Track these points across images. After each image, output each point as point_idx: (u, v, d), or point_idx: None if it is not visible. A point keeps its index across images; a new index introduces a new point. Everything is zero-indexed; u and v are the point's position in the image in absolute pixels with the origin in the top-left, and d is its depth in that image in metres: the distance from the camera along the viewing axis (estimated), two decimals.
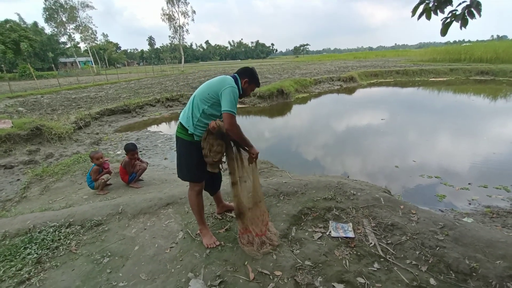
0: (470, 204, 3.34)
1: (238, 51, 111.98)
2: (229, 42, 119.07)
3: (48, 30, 42.57)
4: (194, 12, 35.60)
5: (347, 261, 1.81)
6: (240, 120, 8.92)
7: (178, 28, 35.52)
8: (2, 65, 25.79)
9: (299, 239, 2.02)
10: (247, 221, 1.91)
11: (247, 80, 1.85)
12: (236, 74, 1.87)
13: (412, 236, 1.93)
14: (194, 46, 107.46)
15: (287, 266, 1.77)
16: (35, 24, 45.50)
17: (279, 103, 10.75)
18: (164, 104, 10.48)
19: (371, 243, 1.94)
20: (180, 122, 1.86)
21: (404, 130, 6.92)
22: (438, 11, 1.88)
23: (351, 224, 2.13)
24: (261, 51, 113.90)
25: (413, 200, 3.07)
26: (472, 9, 1.72)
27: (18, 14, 43.41)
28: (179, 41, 37.43)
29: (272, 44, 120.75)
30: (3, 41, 34.21)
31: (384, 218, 2.14)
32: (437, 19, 1.91)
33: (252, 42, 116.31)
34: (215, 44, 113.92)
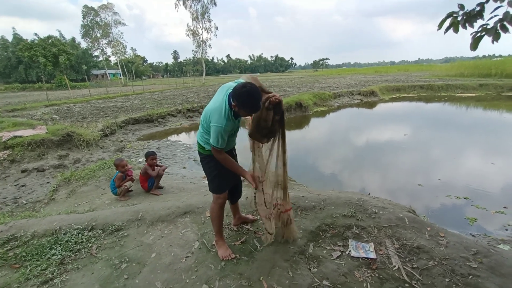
0: (506, 230, 3.06)
1: (258, 64, 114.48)
2: (249, 56, 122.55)
3: (83, 45, 46.51)
4: (217, 28, 37.19)
5: (368, 283, 1.71)
6: None
7: (201, 43, 37.16)
8: (42, 76, 28.23)
9: (317, 257, 1.95)
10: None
11: (235, 104, 1.60)
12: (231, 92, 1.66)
13: (440, 261, 1.79)
14: (215, 60, 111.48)
15: (304, 285, 1.70)
16: (72, 39, 49.80)
17: (297, 116, 10.73)
18: (185, 114, 10.83)
19: (394, 266, 1.82)
20: (198, 141, 1.94)
21: (428, 146, 6.58)
22: (467, 25, 1.82)
23: (372, 244, 2.03)
24: (280, 64, 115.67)
25: (440, 222, 2.87)
26: (505, 22, 1.65)
27: (59, 31, 48.09)
28: (201, 55, 39.04)
29: (291, 58, 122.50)
30: (44, 54, 37.67)
31: (409, 239, 2.01)
32: (464, 33, 1.85)
33: (271, 56, 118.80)
34: (236, 58, 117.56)
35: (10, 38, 45.57)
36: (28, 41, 41.03)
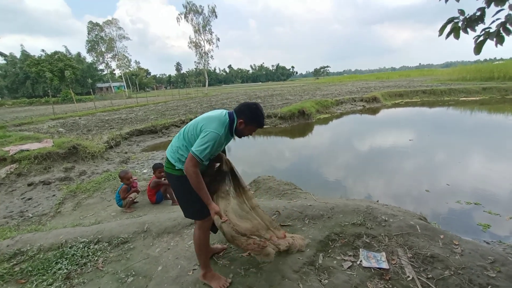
0: None
1: (259, 74, 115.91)
2: (251, 66, 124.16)
3: (89, 59, 47.71)
4: (218, 39, 37.98)
5: None
6: (261, 141, 9.00)
7: (204, 54, 37.88)
8: (49, 91, 28.86)
9: (327, 268, 1.89)
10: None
11: (243, 121, 1.61)
12: (234, 111, 1.67)
13: (456, 270, 1.73)
14: (217, 70, 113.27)
15: None
16: (78, 54, 51.12)
17: (300, 124, 10.73)
18: None
19: (408, 276, 1.76)
20: (167, 158, 1.71)
21: (434, 151, 6.50)
22: (468, 29, 1.82)
23: (384, 253, 1.97)
24: (282, 73, 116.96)
25: (451, 229, 2.80)
26: (508, 25, 1.65)
27: (65, 46, 49.38)
28: (204, 66, 39.72)
29: (292, 67, 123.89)
30: (51, 69, 38.63)
31: (422, 248, 1.95)
32: (464, 38, 1.85)
33: (272, 65, 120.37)
34: (237, 68, 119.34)
35: (18, 54, 47.00)
36: (36, 57, 42.19)
